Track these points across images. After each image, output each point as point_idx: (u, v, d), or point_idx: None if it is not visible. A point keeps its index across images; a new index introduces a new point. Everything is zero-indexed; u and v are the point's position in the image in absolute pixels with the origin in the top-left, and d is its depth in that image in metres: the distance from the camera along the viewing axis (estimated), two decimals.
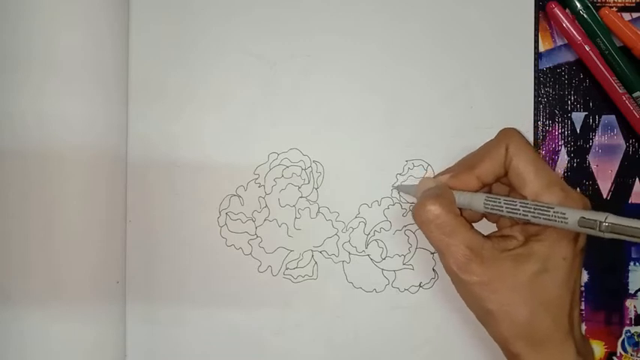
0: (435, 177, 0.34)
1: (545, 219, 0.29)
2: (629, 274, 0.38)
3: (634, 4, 0.38)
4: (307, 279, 0.39)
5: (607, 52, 0.37)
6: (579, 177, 0.38)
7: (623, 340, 0.38)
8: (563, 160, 0.38)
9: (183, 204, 0.39)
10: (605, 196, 0.38)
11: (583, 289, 0.38)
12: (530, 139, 0.38)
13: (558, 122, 0.38)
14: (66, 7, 0.35)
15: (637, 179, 0.38)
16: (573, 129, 0.39)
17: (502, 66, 0.38)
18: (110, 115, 0.37)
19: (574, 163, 0.38)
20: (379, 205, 0.38)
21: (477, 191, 0.32)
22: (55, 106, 0.35)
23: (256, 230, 0.39)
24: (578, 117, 0.39)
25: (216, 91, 0.39)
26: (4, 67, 0.35)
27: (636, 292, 0.38)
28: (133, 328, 0.39)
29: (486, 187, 0.34)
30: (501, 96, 0.38)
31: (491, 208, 0.31)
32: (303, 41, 0.39)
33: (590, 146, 0.38)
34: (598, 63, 0.37)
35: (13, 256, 0.35)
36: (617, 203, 0.38)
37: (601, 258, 0.38)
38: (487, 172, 0.32)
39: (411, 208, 0.33)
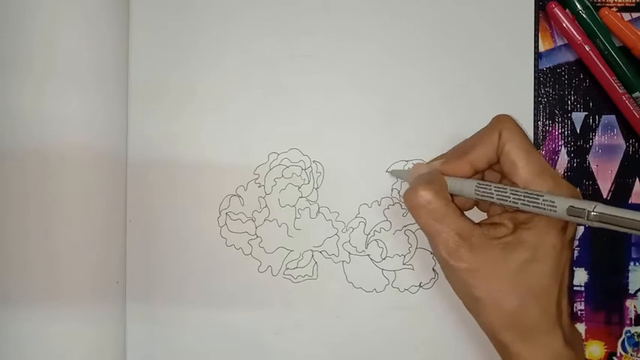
0: (428, 162, 0.35)
1: (535, 207, 0.29)
2: (629, 274, 0.38)
3: (634, 4, 0.38)
4: (307, 279, 0.39)
5: (607, 52, 0.37)
6: (579, 177, 0.38)
7: (623, 340, 0.38)
8: (563, 160, 0.38)
9: (183, 204, 0.39)
10: (605, 196, 0.38)
11: (583, 289, 0.38)
12: (531, 139, 0.38)
13: (558, 122, 0.38)
14: (66, 7, 0.35)
15: (637, 179, 0.38)
16: (573, 129, 0.39)
17: (502, 66, 0.38)
18: (110, 115, 0.37)
19: (574, 163, 0.38)
20: (379, 205, 0.38)
21: (469, 178, 0.32)
22: (55, 106, 0.35)
23: (256, 230, 0.39)
24: (578, 117, 0.39)
25: (216, 91, 0.39)
26: (4, 67, 0.35)
27: (636, 292, 0.38)
28: (133, 328, 0.39)
29: (479, 174, 0.34)
30: (501, 96, 0.38)
31: (482, 195, 0.31)
32: (303, 41, 0.39)
33: (590, 146, 0.38)
34: (598, 63, 0.37)
35: (13, 256, 0.35)
36: (617, 203, 0.38)
37: (601, 258, 0.38)
38: (479, 158, 0.32)
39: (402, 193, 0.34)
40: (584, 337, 0.38)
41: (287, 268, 0.39)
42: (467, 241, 0.30)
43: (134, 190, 0.39)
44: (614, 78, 0.37)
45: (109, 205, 0.37)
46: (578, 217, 0.27)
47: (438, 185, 0.31)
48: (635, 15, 0.38)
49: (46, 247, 0.35)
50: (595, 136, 0.38)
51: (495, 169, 0.34)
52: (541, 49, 0.38)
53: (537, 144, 0.38)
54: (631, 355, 0.38)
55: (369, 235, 0.38)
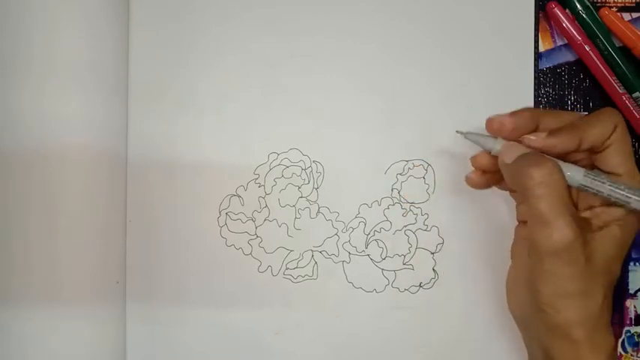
0: (527, 116, 0.31)
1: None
2: (629, 274, 0.38)
3: (634, 4, 0.38)
4: (307, 279, 0.39)
5: (607, 52, 0.37)
6: None
7: (623, 340, 0.38)
8: None
9: (183, 204, 0.39)
10: None
11: None
12: None
13: None
14: (66, 8, 0.35)
15: None
16: None
17: (502, 66, 0.38)
18: (110, 115, 0.37)
19: None
20: (379, 205, 0.38)
21: (567, 155, 0.31)
22: (55, 106, 0.35)
23: (256, 230, 0.39)
24: None
25: (216, 91, 0.39)
26: (4, 67, 0.35)
27: (636, 292, 0.38)
28: (133, 328, 0.39)
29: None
30: (501, 96, 0.38)
31: (590, 184, 0.30)
32: (303, 41, 0.39)
33: None
34: (598, 63, 0.37)
35: (14, 257, 0.35)
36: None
37: None
38: (591, 139, 0.30)
39: (528, 159, 0.29)
40: None
41: (287, 268, 0.39)
42: (581, 231, 0.28)
43: (134, 190, 0.39)
44: (614, 78, 0.37)
45: (109, 205, 0.37)
46: None
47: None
48: (635, 15, 0.38)
49: (46, 247, 0.35)
50: None
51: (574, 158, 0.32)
52: (541, 49, 0.38)
53: None
54: (631, 355, 0.38)
55: (369, 235, 0.38)
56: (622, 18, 0.38)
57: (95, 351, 0.37)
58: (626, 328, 0.38)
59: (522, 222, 0.34)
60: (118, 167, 0.38)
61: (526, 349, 0.33)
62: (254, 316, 0.38)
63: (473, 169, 0.34)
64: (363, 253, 0.38)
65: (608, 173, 0.31)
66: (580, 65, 0.38)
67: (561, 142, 0.30)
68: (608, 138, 0.30)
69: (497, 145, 0.31)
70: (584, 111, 0.39)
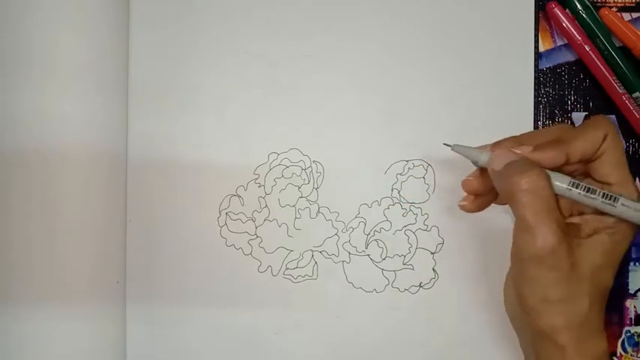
0: (495, 146, 0.31)
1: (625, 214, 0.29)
2: (629, 274, 0.38)
3: (634, 4, 0.38)
4: (307, 279, 0.39)
5: (607, 52, 0.37)
6: None
7: (623, 340, 0.38)
8: None
9: (183, 204, 0.39)
10: None
11: None
12: None
13: (558, 122, 0.38)
14: (66, 8, 0.35)
15: (637, 179, 0.38)
16: None
17: (502, 66, 0.38)
18: (110, 115, 0.37)
19: None
20: (379, 205, 0.38)
21: (554, 170, 0.31)
22: (55, 106, 0.35)
23: (256, 230, 0.39)
24: (578, 117, 0.39)
25: (216, 91, 0.39)
26: (4, 67, 0.35)
27: (636, 292, 0.38)
28: (133, 328, 0.39)
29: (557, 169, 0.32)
30: (501, 96, 0.38)
31: (573, 193, 0.30)
32: (303, 41, 0.39)
33: None
34: (598, 63, 0.37)
35: (14, 256, 0.35)
36: None
37: None
38: (578, 152, 0.30)
39: (512, 165, 0.30)
40: None
41: (287, 268, 0.39)
42: (566, 238, 0.28)
43: (134, 190, 0.39)
44: (614, 78, 0.37)
45: (109, 205, 0.37)
46: None
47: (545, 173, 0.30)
48: (635, 15, 0.38)
49: (46, 246, 0.35)
50: None
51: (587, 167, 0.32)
52: (541, 49, 0.38)
53: None
54: (631, 355, 0.38)
55: (369, 235, 0.38)
56: (622, 18, 0.38)
57: (95, 351, 0.37)
58: (626, 328, 0.38)
59: None
60: (118, 167, 0.38)
61: (522, 350, 0.33)
62: (254, 316, 0.38)
63: (465, 194, 0.33)
64: (363, 253, 0.38)
65: (601, 182, 0.30)
66: (580, 65, 0.38)
67: (545, 159, 0.30)
68: (599, 148, 0.30)
69: (483, 157, 0.31)
70: (584, 111, 0.39)
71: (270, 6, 0.39)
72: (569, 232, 0.29)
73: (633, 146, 0.38)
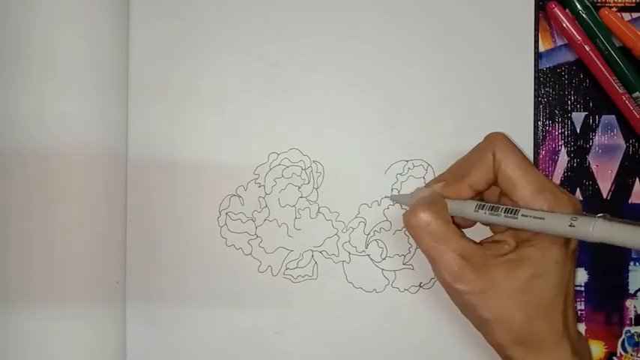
0: (426, 185, 0.34)
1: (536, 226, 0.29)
2: (629, 274, 0.38)
3: (634, 4, 0.38)
4: (307, 279, 0.39)
5: (607, 52, 0.37)
6: (579, 177, 0.38)
7: (623, 340, 0.38)
8: (563, 160, 0.38)
9: (183, 204, 0.39)
10: (605, 196, 0.38)
11: (583, 289, 0.38)
12: (530, 139, 0.38)
13: (558, 122, 0.38)
14: (66, 7, 0.35)
15: (637, 179, 0.38)
16: (573, 129, 0.39)
17: (502, 66, 0.38)
18: (110, 115, 0.37)
19: (574, 163, 0.38)
20: (379, 205, 0.38)
21: (471, 198, 0.32)
22: (55, 106, 0.35)
23: (256, 230, 0.39)
24: (578, 117, 0.39)
25: (216, 91, 0.39)
26: (4, 67, 0.35)
27: (636, 292, 0.38)
28: (133, 328, 0.39)
29: (479, 195, 0.33)
30: (501, 96, 0.38)
31: (482, 215, 0.30)
32: (303, 41, 0.39)
33: (590, 146, 0.38)
34: (598, 63, 0.37)
35: (13, 256, 0.35)
36: (617, 203, 0.38)
37: (601, 258, 0.38)
38: (478, 181, 0.31)
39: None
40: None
41: (287, 268, 0.39)
42: (470, 262, 0.29)
43: (134, 190, 0.39)
44: (614, 78, 0.37)
45: (109, 205, 0.37)
46: (580, 233, 0.27)
47: (438, 206, 0.31)
48: (635, 15, 0.38)
49: (46, 247, 0.35)
50: (595, 136, 0.38)
51: (497, 185, 0.33)
52: (541, 49, 0.38)
53: (537, 144, 0.38)
54: (631, 355, 0.38)
55: (369, 235, 0.38)
56: (622, 18, 0.38)
57: (95, 351, 0.37)
58: (626, 328, 0.38)
59: None
60: (118, 167, 0.38)
61: None
62: (254, 316, 0.39)
63: None
64: (363, 253, 0.38)
65: (514, 200, 0.30)
66: (580, 65, 0.38)
67: (453, 193, 0.31)
68: (494, 166, 0.30)
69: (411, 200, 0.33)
70: (584, 111, 0.39)
71: (270, 6, 0.39)
72: (481, 254, 0.29)
73: (633, 146, 0.38)
